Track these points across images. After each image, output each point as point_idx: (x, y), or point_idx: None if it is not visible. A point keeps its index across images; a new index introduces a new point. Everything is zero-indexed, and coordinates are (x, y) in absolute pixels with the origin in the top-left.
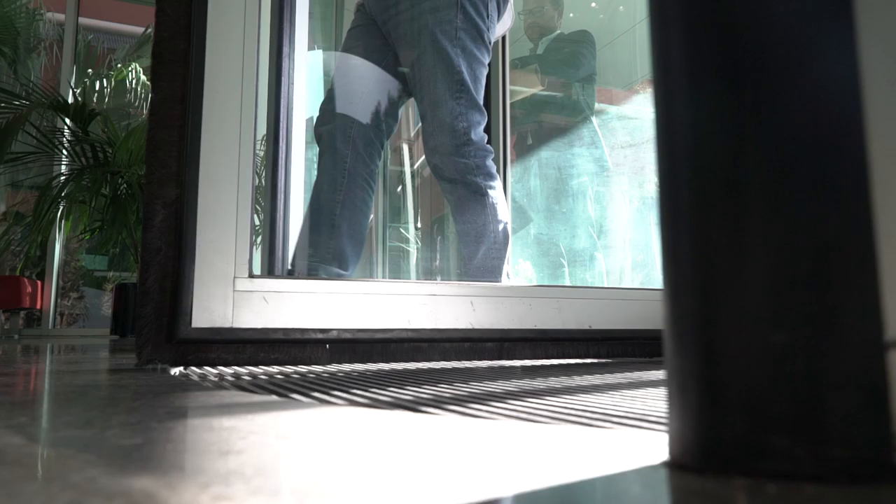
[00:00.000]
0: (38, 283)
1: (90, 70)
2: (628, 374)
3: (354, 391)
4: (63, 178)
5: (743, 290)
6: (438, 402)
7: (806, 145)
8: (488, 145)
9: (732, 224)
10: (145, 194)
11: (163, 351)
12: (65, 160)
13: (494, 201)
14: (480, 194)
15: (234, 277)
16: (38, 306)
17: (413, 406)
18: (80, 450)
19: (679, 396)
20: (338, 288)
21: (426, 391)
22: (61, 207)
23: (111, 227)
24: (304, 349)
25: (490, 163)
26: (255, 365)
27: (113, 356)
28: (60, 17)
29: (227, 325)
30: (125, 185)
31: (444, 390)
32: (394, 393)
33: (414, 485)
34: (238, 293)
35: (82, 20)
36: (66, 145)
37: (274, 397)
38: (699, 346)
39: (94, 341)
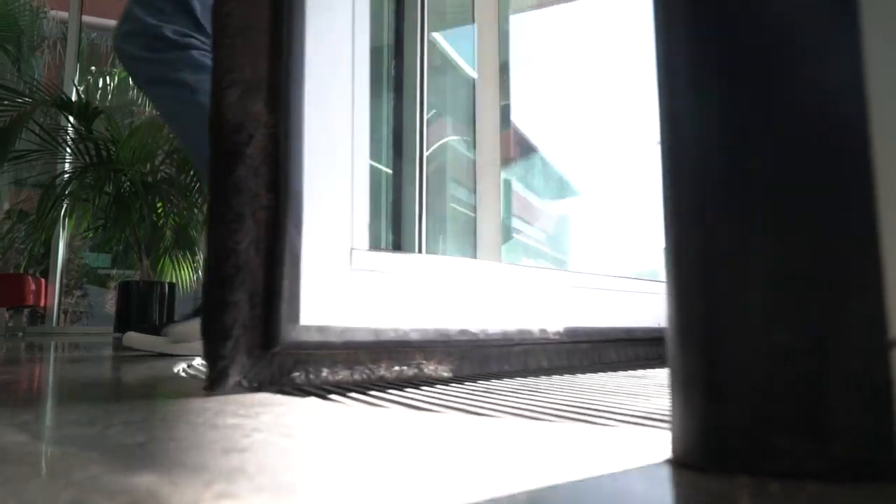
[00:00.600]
0: (42, 280)
1: (93, 68)
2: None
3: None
4: (66, 176)
5: (745, 289)
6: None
7: (809, 145)
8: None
9: (735, 223)
10: (225, 107)
11: (259, 363)
12: (68, 158)
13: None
14: (190, 91)
15: (352, 249)
16: (42, 304)
17: (416, 406)
18: (83, 448)
19: (682, 394)
20: (473, 269)
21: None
22: (64, 205)
23: (114, 225)
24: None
25: (195, 54)
26: (375, 383)
27: (140, 364)
28: (64, 15)
29: (344, 323)
30: (128, 184)
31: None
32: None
33: (418, 482)
34: (357, 274)
35: (85, 18)
36: (69, 143)
37: (277, 395)
38: (702, 344)
39: (97, 339)
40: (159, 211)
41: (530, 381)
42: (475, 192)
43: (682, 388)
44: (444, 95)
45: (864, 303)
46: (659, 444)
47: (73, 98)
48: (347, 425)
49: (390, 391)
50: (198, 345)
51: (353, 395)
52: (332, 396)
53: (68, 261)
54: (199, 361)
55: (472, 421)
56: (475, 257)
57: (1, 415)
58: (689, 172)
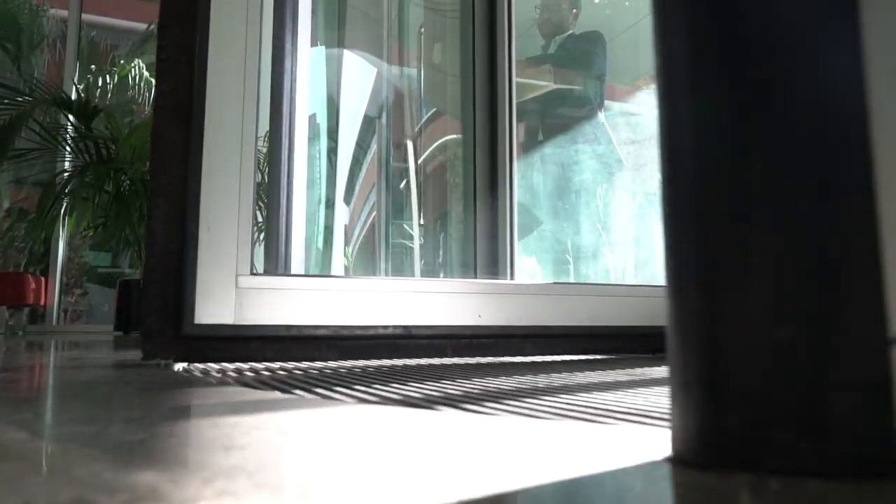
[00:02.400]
0: (42, 279)
1: (93, 66)
2: (631, 371)
3: (357, 387)
4: (66, 174)
5: (746, 287)
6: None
7: (810, 143)
8: None
9: (736, 221)
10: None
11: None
12: (68, 157)
13: None
14: None
15: (237, 275)
16: (42, 303)
17: (413, 403)
18: (84, 445)
19: (682, 392)
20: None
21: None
22: (65, 204)
23: (115, 223)
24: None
25: None
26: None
27: None
28: (63, 13)
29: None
30: (128, 182)
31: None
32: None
33: (417, 480)
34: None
35: (85, 16)
36: (69, 142)
37: (277, 394)
38: (702, 342)
39: (98, 337)
40: None
41: (529, 379)
42: (474, 194)
43: (682, 386)
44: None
45: (865, 301)
46: (659, 442)
47: (73, 96)
48: (347, 423)
49: (391, 385)
50: None
51: (352, 392)
52: (332, 395)
53: (68, 259)
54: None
55: (472, 419)
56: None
57: (1, 412)
58: (688, 171)
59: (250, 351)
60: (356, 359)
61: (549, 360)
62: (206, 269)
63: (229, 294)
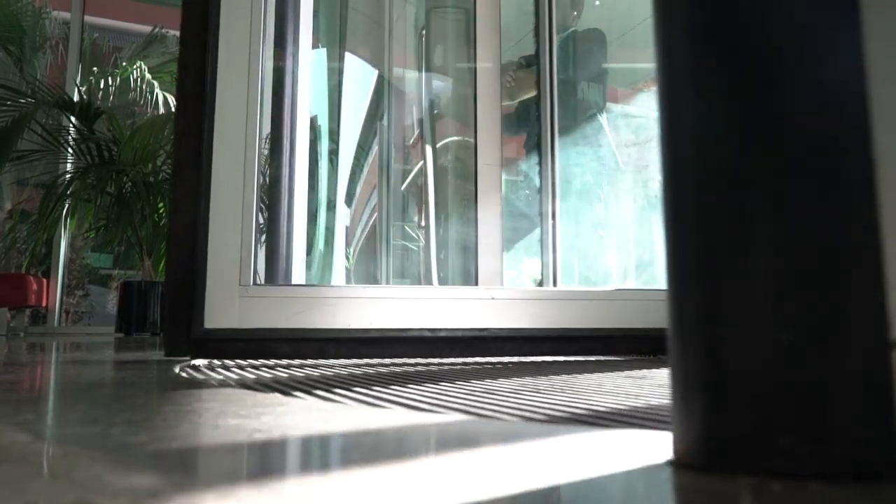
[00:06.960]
0: (44, 280)
1: (95, 68)
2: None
3: (357, 389)
4: (68, 175)
5: (748, 290)
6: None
7: (811, 144)
8: None
9: (738, 223)
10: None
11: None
12: (70, 158)
13: None
14: None
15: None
16: (44, 304)
17: (414, 405)
18: (85, 447)
19: (684, 395)
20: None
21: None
22: (67, 205)
23: (116, 224)
24: None
25: None
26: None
27: None
28: (66, 15)
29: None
30: (130, 184)
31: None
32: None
33: (421, 481)
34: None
35: (88, 18)
36: (71, 143)
37: (277, 396)
38: (704, 345)
39: (99, 339)
40: (161, 211)
41: (529, 381)
42: (475, 194)
43: (684, 389)
44: None
45: (866, 304)
46: (660, 445)
47: (75, 98)
48: (349, 424)
49: (391, 388)
50: None
51: (353, 394)
52: (333, 396)
53: (70, 261)
54: (200, 362)
55: (474, 422)
56: (476, 259)
57: (3, 414)
58: (689, 173)
59: None
60: None
61: (549, 360)
62: None
63: None
